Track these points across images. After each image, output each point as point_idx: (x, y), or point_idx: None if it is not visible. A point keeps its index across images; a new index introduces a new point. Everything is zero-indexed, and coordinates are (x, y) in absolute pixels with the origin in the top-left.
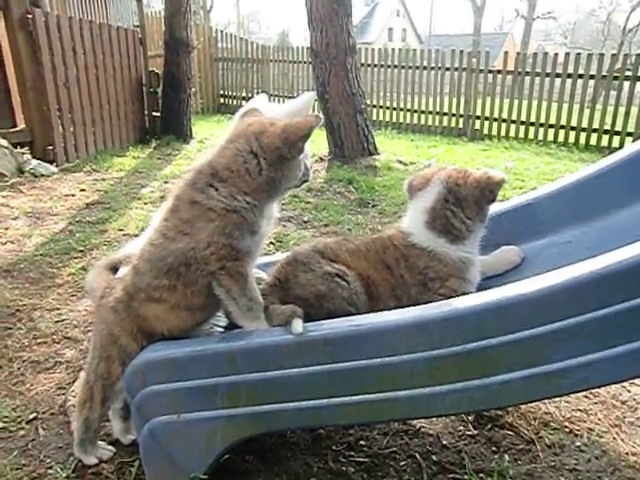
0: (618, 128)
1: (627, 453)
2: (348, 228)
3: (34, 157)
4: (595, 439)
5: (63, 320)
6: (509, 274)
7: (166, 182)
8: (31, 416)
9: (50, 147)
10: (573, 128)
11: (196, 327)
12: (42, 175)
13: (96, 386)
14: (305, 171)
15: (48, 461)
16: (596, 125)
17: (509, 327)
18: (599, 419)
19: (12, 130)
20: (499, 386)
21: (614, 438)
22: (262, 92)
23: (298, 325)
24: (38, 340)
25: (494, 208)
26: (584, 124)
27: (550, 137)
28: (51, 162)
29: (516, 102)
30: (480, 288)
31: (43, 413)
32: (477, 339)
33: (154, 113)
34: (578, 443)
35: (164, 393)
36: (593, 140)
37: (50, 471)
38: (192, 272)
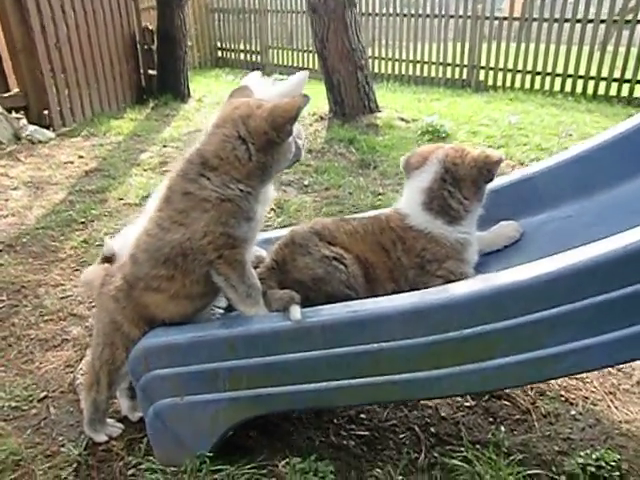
0: (628, 76)
1: (620, 421)
2: (349, 192)
3: (30, 122)
4: (590, 407)
5: (68, 296)
6: (508, 250)
7: (165, 146)
8: (42, 395)
9: (46, 111)
10: (581, 77)
11: (196, 313)
12: (40, 141)
13: (102, 371)
14: (296, 151)
15: (60, 439)
16: (605, 74)
17: (505, 314)
18: (595, 387)
19: (5, 95)
20: (495, 370)
21: (608, 406)
22: (260, 45)
23: (296, 312)
24: (44, 317)
25: (493, 182)
26: (592, 72)
27: (557, 87)
28: (47, 127)
29: (522, 51)
30: (478, 264)
31: (53, 391)
32: (473, 325)
33: (150, 71)
34: (573, 412)
35: (167, 377)
36: (601, 89)
37: (63, 449)
38: (189, 262)
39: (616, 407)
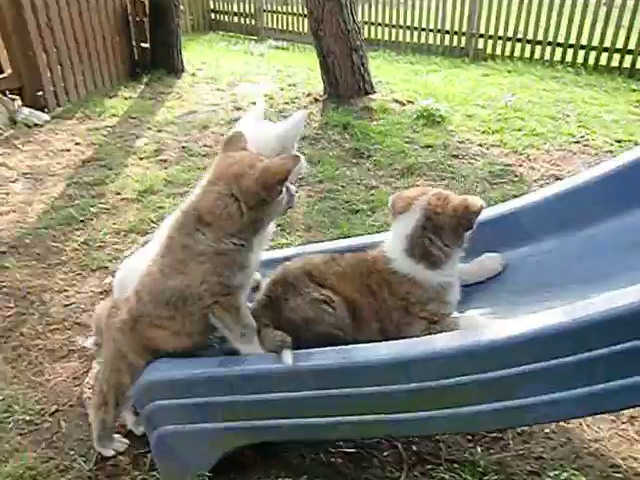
0: (631, 47)
1: (590, 439)
2: (342, 185)
3: (25, 104)
4: (562, 425)
5: (72, 303)
6: (490, 282)
7: (159, 131)
8: (53, 408)
9: (40, 92)
10: (582, 47)
11: (197, 346)
12: (35, 125)
13: (109, 394)
14: (289, 198)
15: (72, 453)
16: (608, 43)
17: (480, 368)
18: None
19: None
20: (472, 415)
21: (580, 424)
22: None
23: (288, 357)
24: (51, 327)
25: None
26: (595, 42)
27: (557, 57)
28: (42, 109)
29: (523, 18)
30: (462, 294)
31: (63, 405)
32: (451, 376)
33: (142, 44)
34: (547, 430)
35: (169, 407)
36: (603, 60)
37: (75, 464)
38: (189, 305)
39: (587, 425)
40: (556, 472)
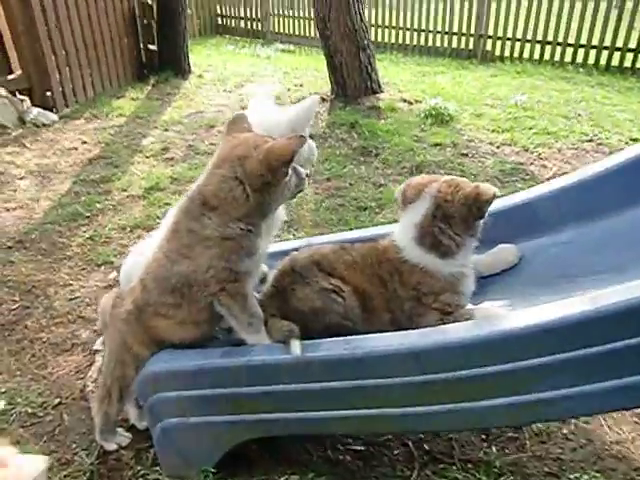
0: None
1: (612, 442)
2: (350, 182)
3: (34, 104)
4: (582, 426)
5: (76, 297)
6: (505, 274)
7: (166, 130)
8: (56, 401)
9: (48, 93)
10: (594, 47)
11: (203, 336)
12: (44, 124)
13: (113, 387)
14: (298, 182)
15: (74, 447)
16: (620, 43)
17: (497, 359)
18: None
19: (9, 78)
20: (487, 410)
21: (601, 425)
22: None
23: (296, 347)
24: (55, 320)
25: (494, 205)
26: (607, 41)
27: (568, 58)
28: (51, 109)
29: (532, 19)
30: (477, 286)
31: (66, 398)
32: (466, 368)
33: (150, 46)
34: (565, 431)
35: (173, 399)
36: (615, 60)
37: (76, 457)
38: (194, 292)
39: (609, 426)
40: (576, 474)
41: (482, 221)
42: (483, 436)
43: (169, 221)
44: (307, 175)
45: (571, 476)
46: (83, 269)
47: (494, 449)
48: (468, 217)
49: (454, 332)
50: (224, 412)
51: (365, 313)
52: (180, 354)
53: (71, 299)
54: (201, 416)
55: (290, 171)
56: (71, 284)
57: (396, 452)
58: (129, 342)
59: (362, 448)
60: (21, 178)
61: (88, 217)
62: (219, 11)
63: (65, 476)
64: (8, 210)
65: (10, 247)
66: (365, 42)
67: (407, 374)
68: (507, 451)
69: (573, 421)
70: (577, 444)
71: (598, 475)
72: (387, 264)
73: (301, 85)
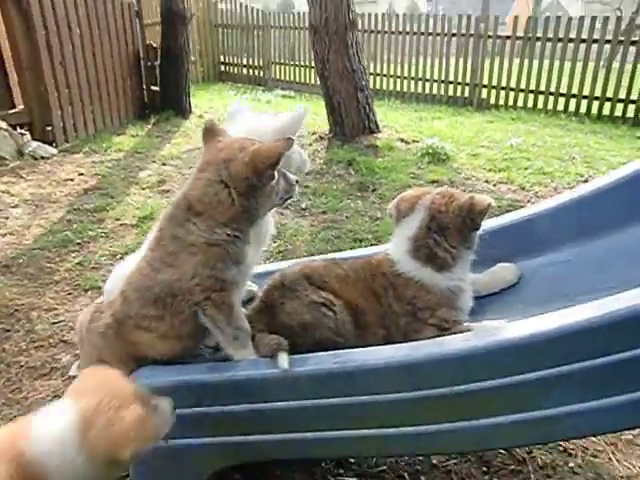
0: (634, 97)
1: (622, 477)
2: (347, 216)
3: (34, 138)
4: (589, 459)
5: (60, 321)
6: (504, 293)
7: (164, 164)
8: None
9: (49, 127)
10: (585, 97)
11: (186, 352)
12: (42, 157)
13: None
14: (288, 187)
15: None
16: (610, 94)
17: (497, 372)
18: (595, 437)
19: (11, 112)
20: (489, 429)
21: (609, 458)
22: (263, 60)
23: (283, 361)
24: (35, 344)
25: (491, 223)
26: (597, 92)
27: (560, 106)
28: (50, 143)
29: (525, 69)
30: (473, 308)
31: None
32: (465, 382)
33: (153, 87)
34: (572, 464)
35: None
36: (606, 110)
37: None
38: (178, 302)
39: (617, 460)
40: None
41: (478, 233)
42: (484, 468)
43: (153, 230)
44: (297, 182)
45: None
46: (69, 294)
47: None
48: (463, 228)
49: (452, 343)
50: (205, 434)
51: (358, 329)
52: (159, 370)
53: (54, 323)
54: (180, 438)
55: (277, 174)
56: (56, 308)
57: None
58: (106, 359)
59: (354, 479)
60: (14, 206)
61: (79, 244)
62: (222, 59)
63: None
64: None
65: None
66: (363, 83)
67: (401, 389)
68: None
69: (580, 454)
70: (584, 477)
71: None
72: (381, 278)
73: None
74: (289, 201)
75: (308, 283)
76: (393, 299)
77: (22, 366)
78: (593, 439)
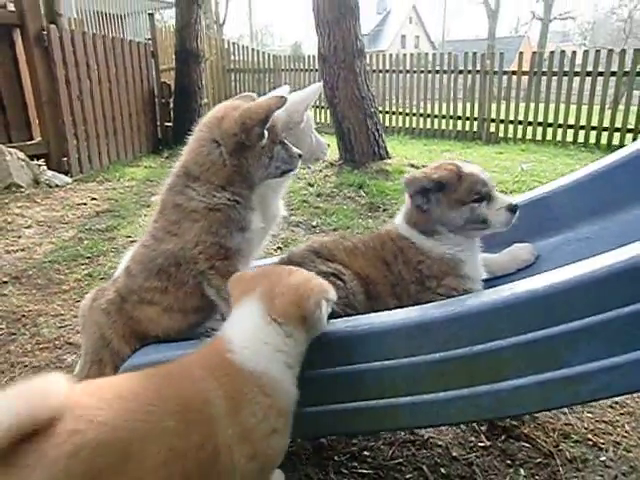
0: None
1: None
2: (357, 232)
3: (49, 168)
4: (622, 454)
5: (66, 326)
6: (521, 274)
7: None
8: None
9: (64, 158)
10: (594, 128)
11: (191, 329)
12: (57, 185)
13: None
14: (287, 158)
15: None
16: (619, 124)
17: (519, 327)
18: (627, 431)
19: (29, 143)
20: (509, 393)
21: None
22: None
23: None
24: (40, 346)
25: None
26: (605, 123)
27: (569, 138)
28: (65, 173)
29: (532, 102)
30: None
31: None
32: (484, 341)
33: (166, 123)
34: (603, 458)
35: None
36: (616, 140)
37: None
38: (182, 272)
39: None
40: None
41: (467, 206)
42: (508, 462)
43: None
44: (300, 155)
45: None
46: (77, 301)
47: (522, 472)
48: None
49: (469, 301)
50: None
51: (369, 301)
52: (166, 347)
53: (60, 327)
54: None
55: (266, 133)
56: (62, 314)
57: (408, 476)
58: (108, 336)
59: (370, 472)
60: (27, 227)
61: (89, 257)
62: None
63: None
64: (9, 252)
65: (5, 282)
66: (372, 110)
67: (417, 353)
68: (537, 477)
69: (611, 448)
70: (618, 472)
71: None
72: (390, 244)
73: None
74: (300, 219)
75: (316, 256)
76: (402, 265)
77: (26, 366)
78: (624, 434)
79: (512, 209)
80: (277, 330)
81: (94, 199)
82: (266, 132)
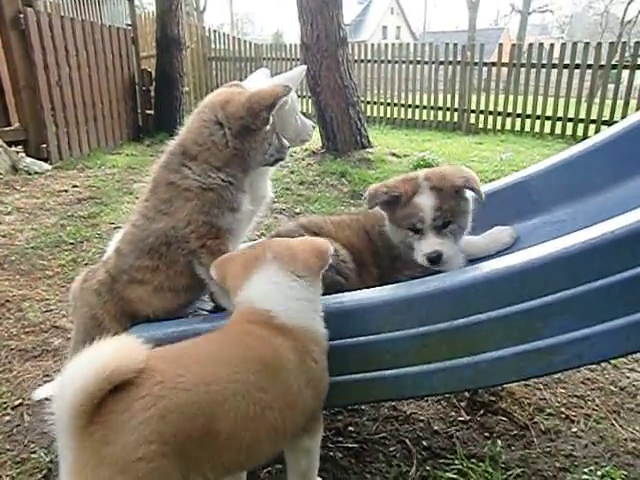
0: (617, 118)
1: (626, 439)
2: None
3: (28, 155)
4: (592, 425)
5: (52, 310)
6: (501, 255)
7: None
8: (16, 402)
9: (44, 145)
10: (570, 119)
11: (181, 309)
12: (36, 173)
13: None
14: (279, 147)
15: (32, 446)
16: (594, 116)
17: (498, 302)
18: (597, 405)
19: (6, 129)
20: (488, 364)
21: (612, 424)
22: None
23: None
24: (26, 329)
25: (486, 187)
26: (582, 115)
27: (547, 129)
28: (45, 160)
29: (512, 94)
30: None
31: (29, 399)
32: (465, 315)
33: (147, 111)
34: (574, 429)
35: None
36: (591, 131)
37: (34, 455)
38: (173, 251)
39: (621, 426)
40: (591, 468)
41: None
42: (486, 434)
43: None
44: (288, 147)
45: (585, 470)
46: (62, 287)
47: (499, 443)
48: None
49: (450, 277)
50: None
51: (358, 267)
52: (156, 324)
53: (45, 311)
54: None
55: (271, 119)
56: (48, 299)
57: (392, 449)
58: (99, 316)
59: (355, 445)
60: (7, 214)
61: (72, 244)
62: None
63: (18, 473)
64: None
65: None
66: (354, 99)
67: (401, 327)
68: (513, 448)
69: (582, 420)
70: (589, 441)
71: (615, 469)
72: (371, 215)
73: None
74: (284, 206)
75: (304, 230)
76: (378, 236)
77: (12, 349)
78: (594, 407)
79: (431, 259)
80: (302, 284)
81: (75, 186)
82: (271, 118)
